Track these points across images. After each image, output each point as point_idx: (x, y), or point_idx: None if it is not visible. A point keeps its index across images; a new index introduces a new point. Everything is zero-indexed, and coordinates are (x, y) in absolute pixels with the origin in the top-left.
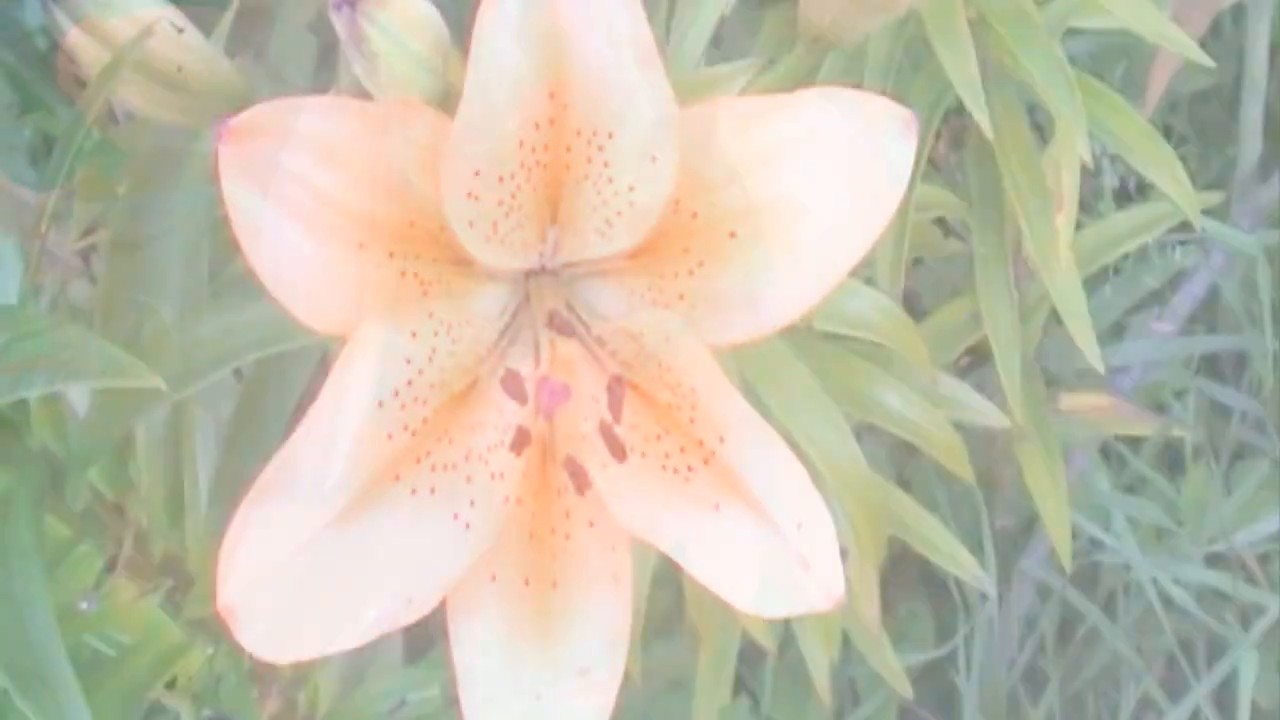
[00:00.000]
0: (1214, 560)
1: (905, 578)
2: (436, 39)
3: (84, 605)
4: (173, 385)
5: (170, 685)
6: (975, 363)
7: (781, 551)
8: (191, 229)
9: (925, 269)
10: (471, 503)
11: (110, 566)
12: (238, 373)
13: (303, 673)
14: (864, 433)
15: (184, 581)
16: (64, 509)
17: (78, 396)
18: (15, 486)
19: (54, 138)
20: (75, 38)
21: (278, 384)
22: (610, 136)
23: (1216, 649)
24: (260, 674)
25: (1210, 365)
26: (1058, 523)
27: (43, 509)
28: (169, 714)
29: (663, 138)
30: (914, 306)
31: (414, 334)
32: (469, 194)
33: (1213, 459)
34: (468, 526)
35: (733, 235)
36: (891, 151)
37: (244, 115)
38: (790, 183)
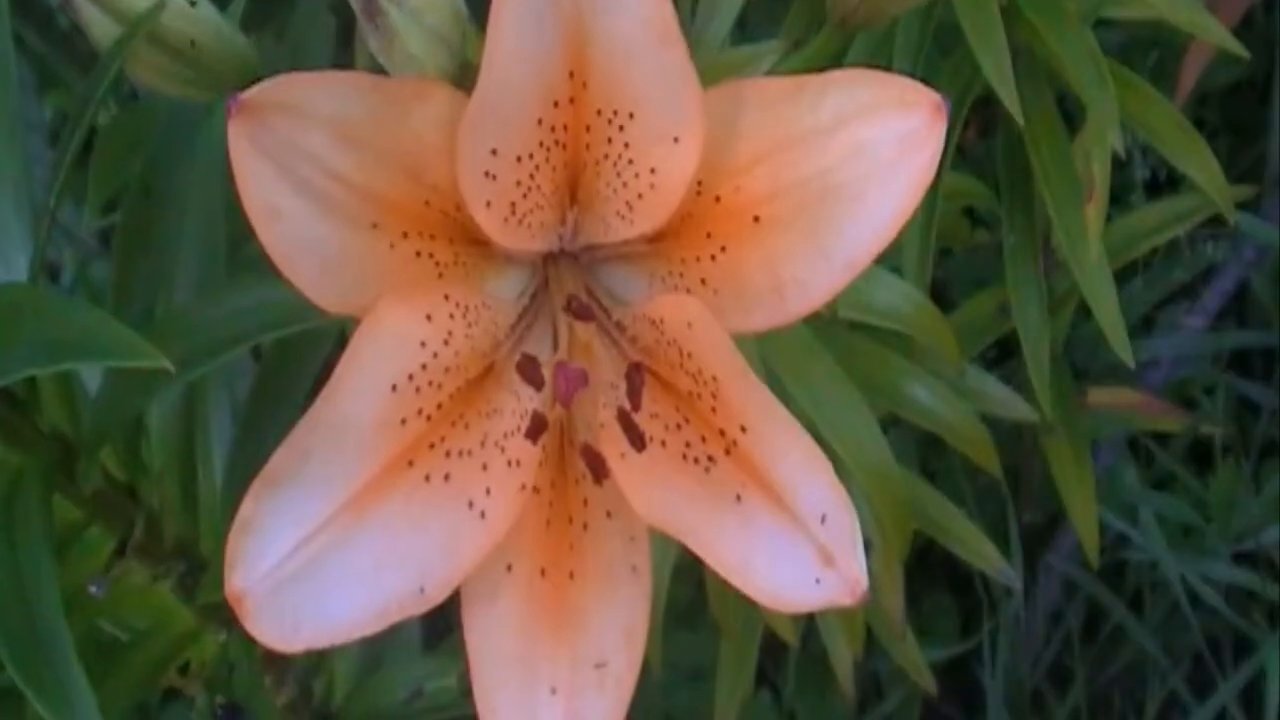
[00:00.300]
0: (1242, 558)
1: (930, 572)
2: (454, 14)
3: (93, 589)
4: (185, 365)
5: (184, 671)
6: (1003, 355)
7: (804, 545)
8: (207, 207)
9: (954, 259)
10: (487, 490)
11: (120, 550)
12: (257, 351)
13: (318, 660)
14: (890, 425)
15: (197, 566)
16: (74, 491)
17: (91, 376)
18: (25, 467)
19: None
20: (87, 11)
21: (295, 364)
22: (631, 117)
23: (1244, 648)
24: (274, 661)
25: (1240, 361)
26: (1084, 518)
27: (52, 490)
28: (186, 701)
29: (685, 119)
30: (942, 297)
31: (429, 317)
32: (486, 173)
33: (1242, 456)
34: (483, 515)
35: (756, 220)
36: (920, 135)
37: (255, 90)
38: (816, 166)
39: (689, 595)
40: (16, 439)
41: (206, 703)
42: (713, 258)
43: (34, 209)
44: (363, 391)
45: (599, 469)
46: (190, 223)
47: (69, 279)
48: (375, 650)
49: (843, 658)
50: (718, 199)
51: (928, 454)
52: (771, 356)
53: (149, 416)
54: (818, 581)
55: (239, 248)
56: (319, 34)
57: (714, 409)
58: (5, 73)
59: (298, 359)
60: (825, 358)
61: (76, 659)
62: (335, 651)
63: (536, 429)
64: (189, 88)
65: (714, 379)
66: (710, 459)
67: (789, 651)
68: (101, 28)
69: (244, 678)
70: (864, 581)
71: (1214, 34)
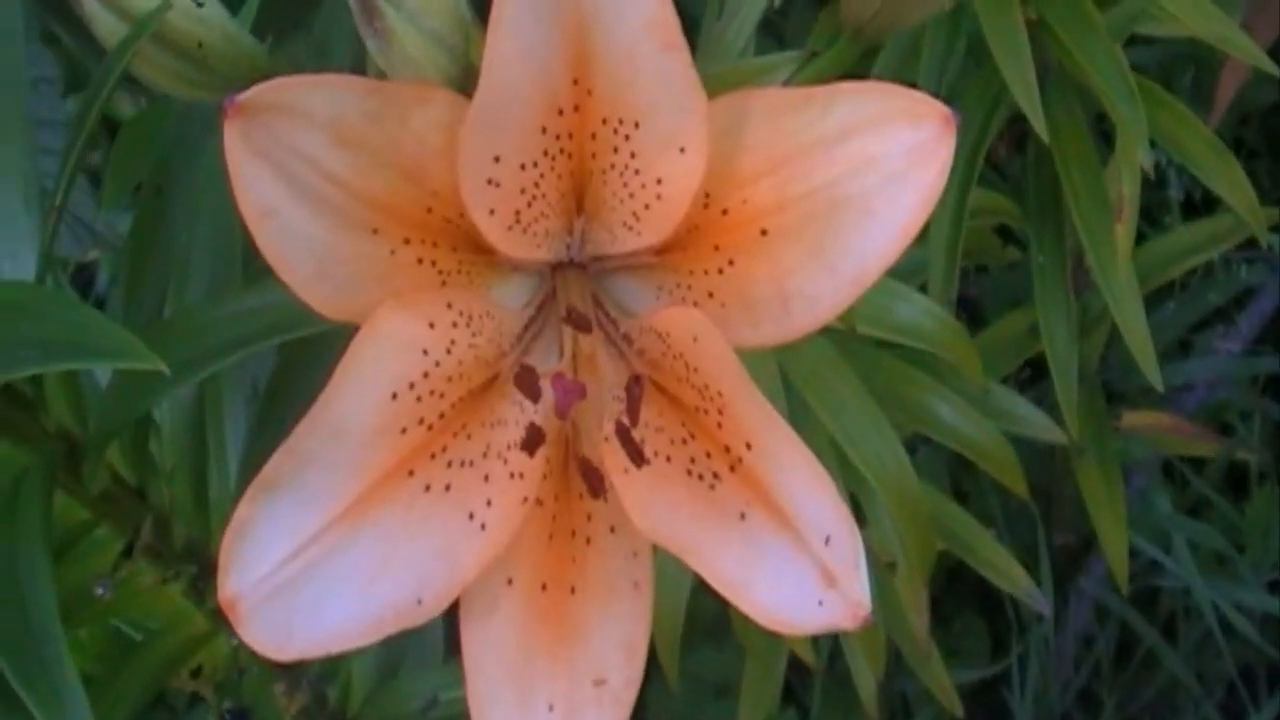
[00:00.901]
0: (1277, 587)
1: (961, 592)
2: (455, 17)
3: (99, 590)
4: (195, 365)
5: (196, 674)
6: (1037, 375)
7: (807, 566)
8: (220, 207)
9: (988, 277)
10: (488, 502)
11: (128, 551)
12: (283, 346)
13: (334, 665)
14: (920, 443)
15: (208, 568)
16: (81, 491)
17: (102, 373)
18: (29, 466)
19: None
20: (92, 9)
21: (313, 361)
22: (637, 125)
23: (1278, 677)
24: (286, 666)
25: (1277, 386)
26: (1115, 543)
27: (53, 490)
28: (207, 706)
29: (691, 128)
30: (977, 315)
31: (431, 324)
32: (489, 180)
33: (1277, 483)
34: (483, 527)
35: (764, 233)
36: (929, 148)
37: (251, 91)
38: (823, 178)
39: (715, 611)
40: (21, 437)
41: (216, 706)
42: (720, 271)
43: (43, 206)
44: (362, 398)
45: (595, 484)
46: (203, 222)
47: (104, 281)
48: (394, 656)
49: (865, 678)
50: (725, 211)
51: (959, 474)
52: (793, 371)
53: (160, 415)
54: (820, 603)
55: (256, 255)
56: (343, 34)
57: (720, 425)
58: (13, 69)
59: (315, 356)
60: (848, 373)
61: (71, 661)
62: (352, 657)
63: (533, 441)
64: (197, 89)
65: (719, 394)
66: (715, 476)
67: (816, 670)
68: (106, 25)
69: (254, 683)
70: (867, 605)
71: (1247, 52)
